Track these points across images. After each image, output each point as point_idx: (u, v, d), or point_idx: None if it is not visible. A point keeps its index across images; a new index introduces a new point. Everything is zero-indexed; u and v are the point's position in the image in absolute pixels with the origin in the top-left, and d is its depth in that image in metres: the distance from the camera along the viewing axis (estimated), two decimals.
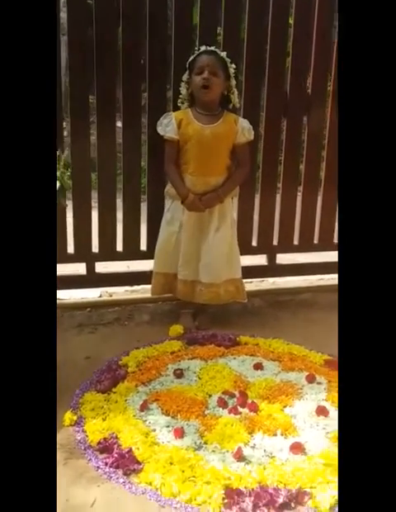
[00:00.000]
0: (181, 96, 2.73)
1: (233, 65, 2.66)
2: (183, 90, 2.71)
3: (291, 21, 3.00)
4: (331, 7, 3.01)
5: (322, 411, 2.07)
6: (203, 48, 2.64)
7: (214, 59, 2.61)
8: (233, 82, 2.69)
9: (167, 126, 2.67)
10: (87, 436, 1.92)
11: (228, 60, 2.64)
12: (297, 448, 1.86)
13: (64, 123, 2.92)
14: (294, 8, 2.95)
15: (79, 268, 2.99)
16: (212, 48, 2.65)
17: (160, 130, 2.69)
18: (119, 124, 2.95)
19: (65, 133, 2.97)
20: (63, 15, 2.74)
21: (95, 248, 2.97)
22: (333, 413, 2.07)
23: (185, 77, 2.69)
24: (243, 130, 2.72)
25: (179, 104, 2.74)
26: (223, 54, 2.64)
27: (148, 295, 2.91)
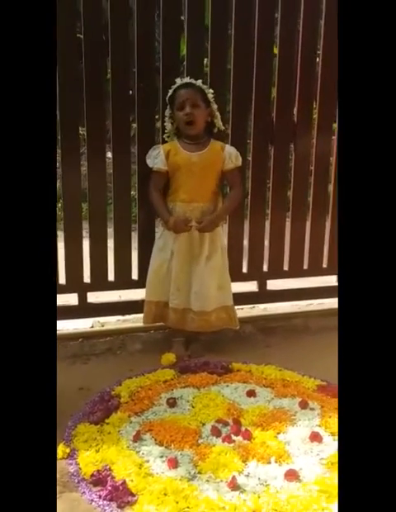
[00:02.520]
0: (166, 131, 2.78)
1: (211, 90, 2.72)
2: (168, 125, 2.77)
3: (276, 51, 3.06)
4: (314, 37, 3.09)
5: (315, 437, 2.07)
6: (178, 81, 2.70)
7: (191, 91, 2.66)
8: (214, 106, 2.74)
9: (156, 158, 2.72)
10: (80, 468, 1.91)
11: (204, 87, 2.70)
12: (291, 475, 1.85)
13: None
14: (279, 38, 3.02)
15: (71, 299, 2.99)
16: (187, 80, 2.70)
17: (149, 162, 2.74)
18: (109, 154, 2.98)
19: (56, 164, 2.99)
20: None
21: (86, 278, 2.97)
22: (327, 439, 2.07)
23: (167, 112, 2.76)
24: (231, 156, 2.76)
25: (166, 138, 2.80)
26: (199, 82, 2.69)
27: (140, 324, 2.91)
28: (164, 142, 2.81)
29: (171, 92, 2.70)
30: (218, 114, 2.77)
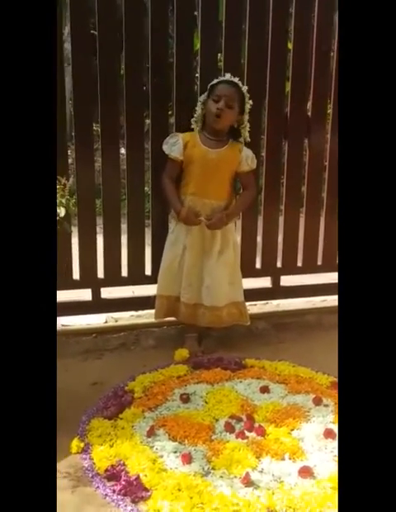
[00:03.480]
0: (195, 115, 2.77)
1: (251, 101, 2.72)
2: (198, 110, 2.76)
3: (290, 46, 3.05)
4: (329, 31, 3.07)
5: (329, 434, 2.06)
6: (227, 76, 2.69)
7: (233, 91, 2.66)
8: (247, 117, 2.74)
9: (174, 146, 2.72)
10: (94, 463, 1.92)
11: (247, 95, 2.70)
12: (305, 472, 1.85)
13: (69, 151, 2.95)
14: (293, 33, 3.00)
15: (85, 294, 3.00)
16: (236, 80, 2.69)
17: (166, 148, 2.74)
18: (122, 150, 2.99)
19: (70, 160, 3.00)
20: (68, 45, 2.80)
21: (100, 273, 2.98)
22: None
23: (202, 98, 2.74)
24: (247, 158, 2.77)
25: (193, 122, 2.78)
26: (245, 88, 2.69)
27: (154, 319, 2.92)
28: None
29: (215, 81, 2.69)
30: (247, 125, 2.77)
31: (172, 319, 2.91)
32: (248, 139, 2.82)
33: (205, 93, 2.73)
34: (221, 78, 2.70)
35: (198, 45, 2.89)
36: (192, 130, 2.79)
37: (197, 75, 2.87)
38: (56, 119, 1.60)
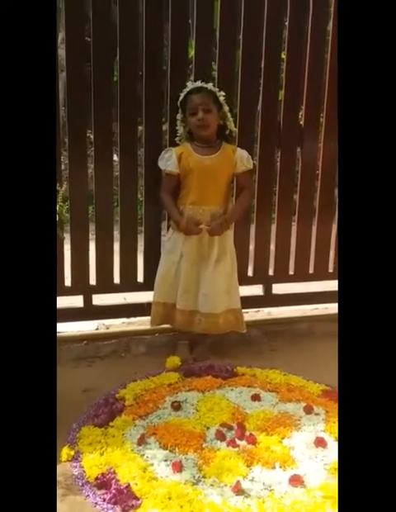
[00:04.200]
0: (178, 135, 2.79)
1: (222, 92, 2.71)
2: (179, 129, 2.77)
3: (284, 56, 3.06)
4: (322, 41, 3.09)
5: (320, 442, 2.06)
6: (190, 85, 2.70)
7: (203, 95, 2.66)
8: (226, 107, 2.74)
9: (168, 161, 2.73)
10: (84, 471, 1.91)
11: (215, 90, 2.69)
12: (296, 480, 1.85)
13: (62, 157, 2.95)
14: (287, 43, 3.02)
15: (76, 301, 2.99)
16: (198, 84, 2.69)
17: (161, 164, 2.75)
18: (115, 157, 2.99)
19: (63, 166, 3.00)
20: (62, 52, 2.80)
21: (92, 280, 2.97)
22: (332, 444, 2.06)
23: (179, 116, 2.75)
24: (242, 159, 2.77)
25: (177, 141, 2.80)
26: (210, 85, 2.69)
27: (145, 327, 2.92)
28: (172, 144, 2.82)
29: (182, 96, 2.70)
30: (229, 116, 2.77)
31: (165, 326, 2.90)
32: (235, 129, 2.84)
33: (179, 112, 2.74)
34: (186, 90, 2.69)
35: (192, 53, 2.90)
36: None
37: (188, 82, 2.87)
38: (56, 125, 1.63)
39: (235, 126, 2.86)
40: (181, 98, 2.71)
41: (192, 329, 2.81)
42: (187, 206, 2.74)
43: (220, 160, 2.74)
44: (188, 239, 2.74)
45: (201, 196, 2.73)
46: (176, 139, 2.81)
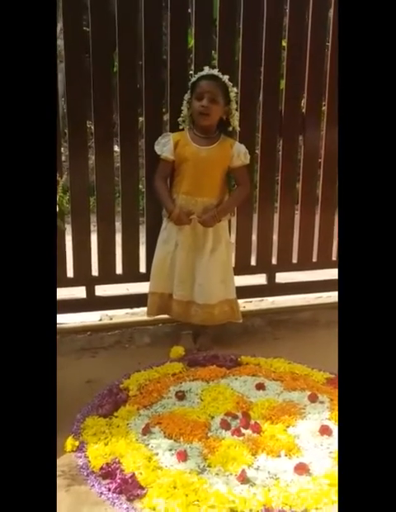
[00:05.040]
0: (182, 115, 2.76)
1: (235, 89, 2.70)
2: (184, 109, 2.75)
3: (285, 44, 3.04)
4: (323, 29, 3.07)
5: (325, 430, 2.06)
6: (205, 70, 2.67)
7: (214, 84, 2.64)
8: (234, 105, 2.73)
9: (165, 146, 2.72)
10: (89, 461, 1.91)
11: (229, 84, 2.67)
12: (301, 468, 1.85)
13: (63, 148, 2.94)
14: (288, 31, 3.00)
15: (79, 292, 2.99)
16: (214, 72, 2.67)
17: (157, 148, 2.73)
18: (116, 148, 2.97)
19: (63, 158, 2.99)
20: (60, 42, 2.79)
21: (94, 271, 2.97)
22: (337, 432, 2.06)
23: (186, 96, 2.73)
24: (239, 153, 2.75)
25: (180, 122, 2.77)
26: (225, 78, 2.67)
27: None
28: (173, 131, 2.79)
29: (194, 79, 2.69)
30: (236, 113, 2.75)
31: (167, 316, 2.90)
32: (238, 129, 2.82)
33: (188, 92, 2.72)
34: (200, 74, 2.68)
35: (192, 43, 2.88)
36: (182, 129, 2.78)
37: (191, 72, 2.86)
38: (56, 117, 1.61)
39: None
40: (192, 80, 2.70)
41: (189, 319, 2.81)
42: (180, 195, 2.73)
43: (217, 152, 2.72)
44: (182, 229, 2.73)
45: (195, 187, 2.71)
46: (179, 119, 2.78)
